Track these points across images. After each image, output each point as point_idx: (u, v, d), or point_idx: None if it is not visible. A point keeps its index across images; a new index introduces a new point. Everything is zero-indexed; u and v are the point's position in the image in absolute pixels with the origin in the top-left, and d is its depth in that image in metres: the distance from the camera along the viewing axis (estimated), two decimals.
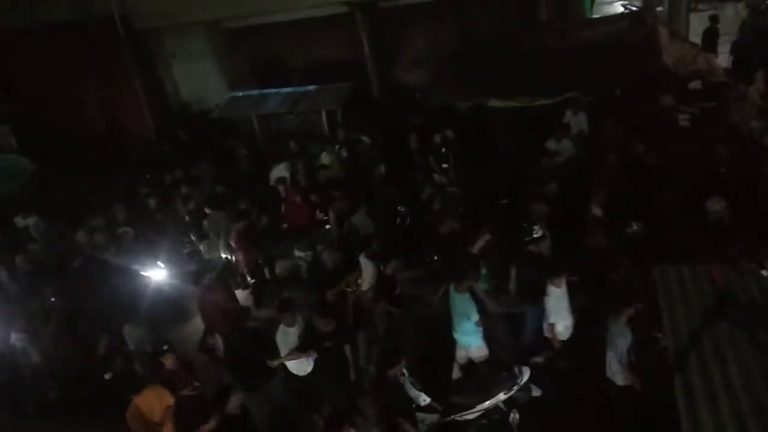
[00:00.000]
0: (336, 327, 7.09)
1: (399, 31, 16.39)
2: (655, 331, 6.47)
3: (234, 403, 6.12)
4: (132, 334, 8.07)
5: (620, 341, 6.07)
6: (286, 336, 7.04)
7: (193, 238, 10.92)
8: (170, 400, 6.59)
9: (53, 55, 16.65)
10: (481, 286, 7.51)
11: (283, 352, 7.04)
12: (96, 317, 8.88)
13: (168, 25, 16.86)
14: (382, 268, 8.09)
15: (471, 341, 7.11)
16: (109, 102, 17.67)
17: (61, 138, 16.28)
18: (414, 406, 6.53)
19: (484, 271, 7.97)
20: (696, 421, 4.05)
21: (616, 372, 6.21)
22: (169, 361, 6.89)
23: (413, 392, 6.57)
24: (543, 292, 7.09)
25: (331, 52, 16.80)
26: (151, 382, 6.78)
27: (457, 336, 7.22)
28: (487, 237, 8.07)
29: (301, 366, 7.10)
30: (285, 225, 10.86)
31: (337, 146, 12.57)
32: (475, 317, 6.96)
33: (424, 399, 6.59)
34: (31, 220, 11.81)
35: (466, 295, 7.00)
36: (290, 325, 7.06)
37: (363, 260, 8.29)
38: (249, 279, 10.24)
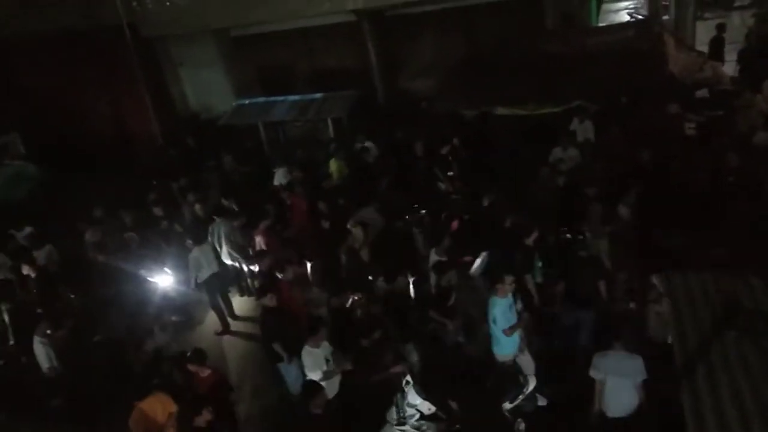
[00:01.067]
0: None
1: (405, 40, 16.45)
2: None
3: (320, 401, 6.02)
4: (161, 338, 8.07)
5: (633, 365, 5.95)
6: (311, 356, 6.78)
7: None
8: (173, 406, 6.58)
9: (62, 62, 16.79)
10: (536, 280, 7.54)
11: (310, 371, 6.77)
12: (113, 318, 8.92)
13: (175, 33, 16.98)
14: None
15: (494, 347, 7.02)
16: (116, 109, 17.79)
17: (69, 145, 16.39)
18: (419, 415, 6.51)
19: (539, 263, 7.96)
20: (703, 429, 4.00)
21: (628, 401, 6.04)
22: (205, 372, 6.91)
23: (418, 400, 6.54)
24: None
25: (337, 60, 16.88)
26: (187, 390, 6.79)
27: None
28: (539, 231, 8.01)
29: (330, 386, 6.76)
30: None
31: (342, 153, 12.60)
32: (503, 324, 6.82)
33: (429, 407, 6.56)
34: (26, 231, 11.64)
35: (497, 299, 6.88)
36: (316, 346, 6.80)
37: (432, 255, 8.27)
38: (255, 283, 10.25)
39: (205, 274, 9.62)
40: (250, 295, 10.59)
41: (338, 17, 15.88)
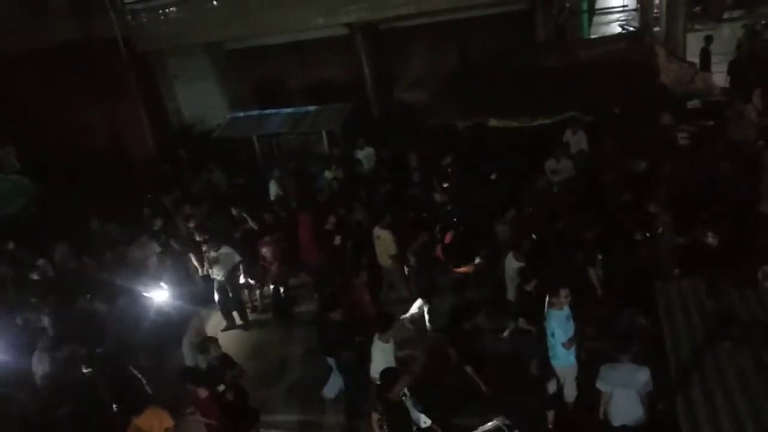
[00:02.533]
0: None
1: (399, 52, 16.55)
2: None
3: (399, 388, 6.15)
4: (188, 352, 8.02)
5: (639, 376, 5.93)
6: (383, 352, 7.12)
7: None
8: (170, 422, 6.54)
9: (56, 76, 16.81)
10: (598, 273, 7.64)
11: (379, 365, 6.95)
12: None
13: (170, 46, 17.02)
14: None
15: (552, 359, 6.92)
16: (111, 122, 17.78)
17: (63, 158, 16.37)
18: (415, 428, 6.48)
19: (600, 257, 8.04)
20: None
21: (634, 412, 6.03)
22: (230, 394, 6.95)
23: (414, 414, 6.51)
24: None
25: (331, 73, 16.97)
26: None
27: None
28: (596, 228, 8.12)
29: None
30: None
31: (334, 166, 12.65)
32: (561, 336, 6.72)
33: (425, 421, 6.54)
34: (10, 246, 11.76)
35: (554, 311, 6.77)
36: (386, 341, 7.16)
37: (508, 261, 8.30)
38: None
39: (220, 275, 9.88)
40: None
41: (332, 31, 15.97)
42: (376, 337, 7.20)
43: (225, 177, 13.98)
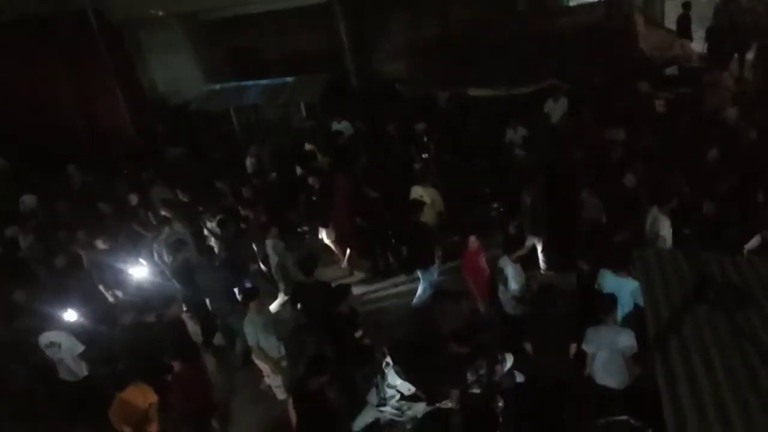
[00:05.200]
0: None
1: (377, 22, 16.33)
2: None
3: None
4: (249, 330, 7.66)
5: (623, 339, 6.07)
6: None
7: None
8: (154, 397, 6.55)
9: (25, 51, 16.28)
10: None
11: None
12: None
13: (143, 18, 16.61)
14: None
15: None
16: (84, 97, 17.35)
17: (36, 135, 15.98)
18: (399, 395, 6.56)
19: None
20: (677, 404, 4.10)
21: (616, 375, 6.21)
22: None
23: (398, 381, 6.58)
24: None
25: (309, 43, 16.70)
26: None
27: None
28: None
29: None
30: None
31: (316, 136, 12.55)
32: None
33: (409, 388, 6.61)
34: None
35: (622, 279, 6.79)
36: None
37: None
38: None
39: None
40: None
41: None
42: None
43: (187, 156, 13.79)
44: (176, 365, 6.73)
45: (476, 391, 6.25)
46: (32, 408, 8.09)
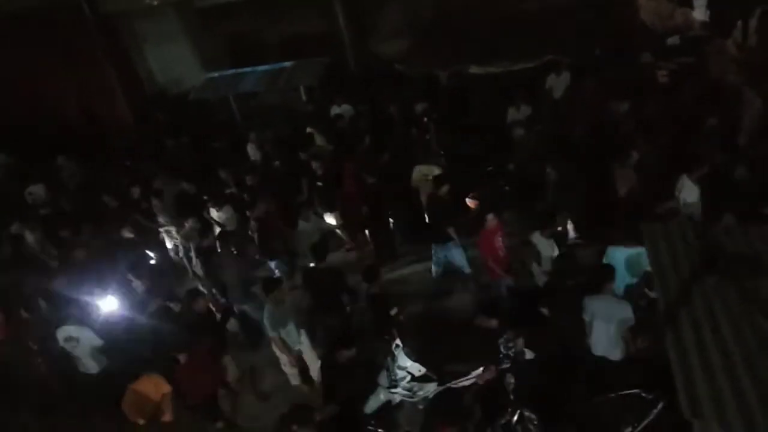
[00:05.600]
0: None
1: (374, 2, 16.13)
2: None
3: None
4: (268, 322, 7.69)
5: (619, 311, 6.06)
6: None
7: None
8: (167, 387, 6.59)
9: (20, 45, 16.19)
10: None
11: None
12: None
13: (136, 7, 16.46)
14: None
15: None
16: (82, 89, 17.29)
17: (36, 129, 15.95)
18: (410, 377, 6.58)
19: None
20: (688, 375, 4.09)
21: (612, 346, 6.21)
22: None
23: (408, 362, 6.60)
24: None
25: (306, 26, 16.50)
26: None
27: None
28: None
29: None
30: None
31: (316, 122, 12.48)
32: None
33: (420, 369, 6.64)
34: None
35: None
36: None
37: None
38: None
39: None
40: None
41: None
42: None
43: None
44: (182, 357, 6.75)
45: (506, 365, 6.23)
46: (49, 399, 8.14)
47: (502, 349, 6.22)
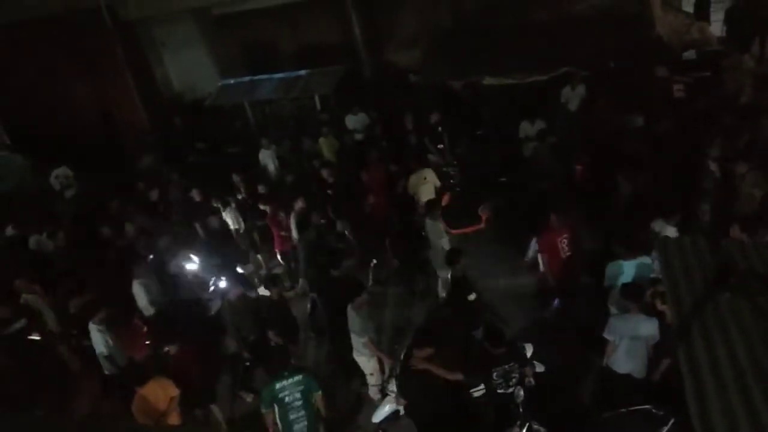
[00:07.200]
0: None
1: (390, 11, 16.20)
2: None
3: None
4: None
5: (646, 327, 6.03)
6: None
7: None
8: (175, 390, 6.61)
9: (41, 50, 16.45)
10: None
11: None
12: None
13: (155, 14, 16.65)
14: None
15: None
16: (100, 94, 17.51)
17: (54, 133, 16.16)
18: None
19: None
20: (700, 392, 4.05)
21: (639, 365, 6.20)
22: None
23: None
24: None
25: (321, 35, 16.64)
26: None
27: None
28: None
29: None
30: None
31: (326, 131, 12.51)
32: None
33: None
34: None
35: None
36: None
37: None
38: None
39: None
40: None
41: None
42: None
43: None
44: (172, 348, 6.94)
45: (501, 391, 6.17)
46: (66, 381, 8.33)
47: (495, 375, 6.10)
